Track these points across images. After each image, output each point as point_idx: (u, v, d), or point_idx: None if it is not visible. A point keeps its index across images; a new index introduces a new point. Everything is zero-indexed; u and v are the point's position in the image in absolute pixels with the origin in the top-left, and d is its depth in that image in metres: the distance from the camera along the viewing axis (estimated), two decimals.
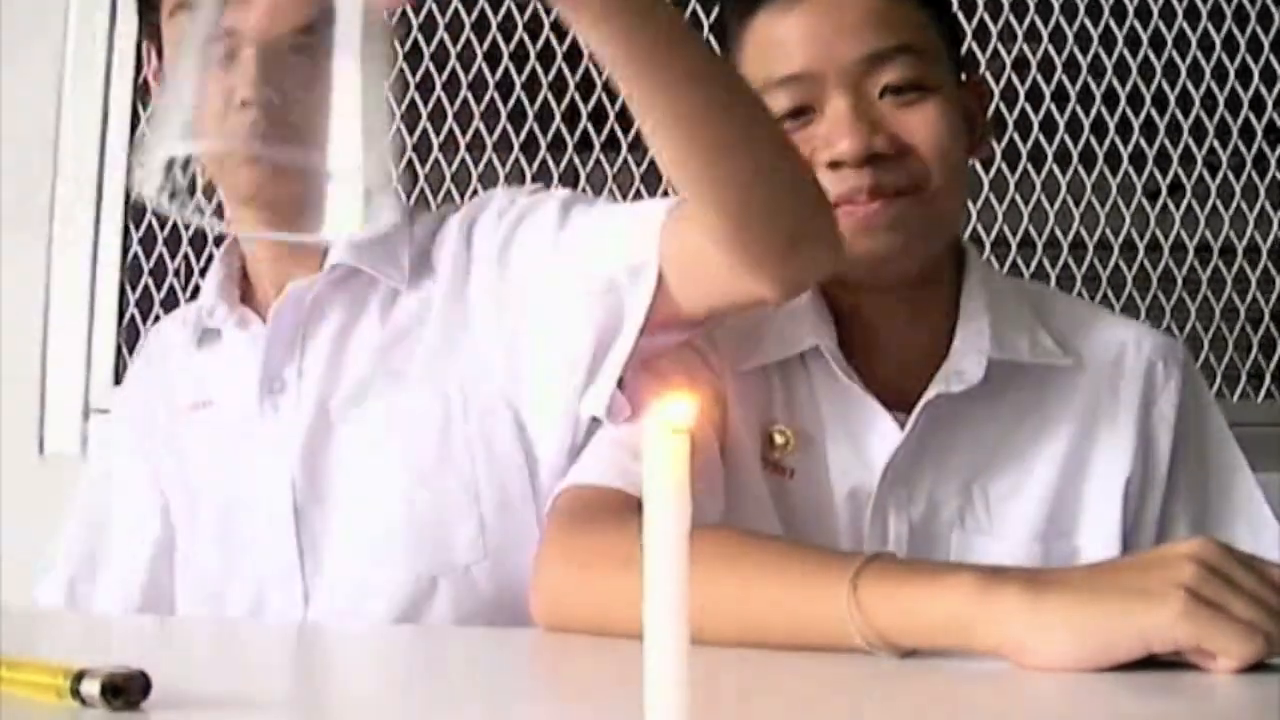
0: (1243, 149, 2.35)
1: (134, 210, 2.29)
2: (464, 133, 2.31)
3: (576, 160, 2.31)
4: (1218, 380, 2.34)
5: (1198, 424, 1.40)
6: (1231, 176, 2.34)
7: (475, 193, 2.30)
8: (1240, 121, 2.34)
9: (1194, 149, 2.34)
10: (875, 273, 1.32)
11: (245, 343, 1.42)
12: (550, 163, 2.30)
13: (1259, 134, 2.34)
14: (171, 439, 1.47)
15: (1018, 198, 2.32)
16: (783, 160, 1.12)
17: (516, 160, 2.30)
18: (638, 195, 2.30)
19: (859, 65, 1.29)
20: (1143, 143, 2.34)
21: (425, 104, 2.29)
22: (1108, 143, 2.34)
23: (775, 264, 1.16)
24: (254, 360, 1.40)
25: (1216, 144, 2.34)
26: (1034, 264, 2.34)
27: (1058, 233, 2.34)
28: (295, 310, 1.39)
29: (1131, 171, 2.33)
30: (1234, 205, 2.35)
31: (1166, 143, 2.34)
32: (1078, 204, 2.34)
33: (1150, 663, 0.94)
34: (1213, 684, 0.92)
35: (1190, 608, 0.93)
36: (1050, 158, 2.33)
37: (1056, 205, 2.34)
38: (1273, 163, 2.33)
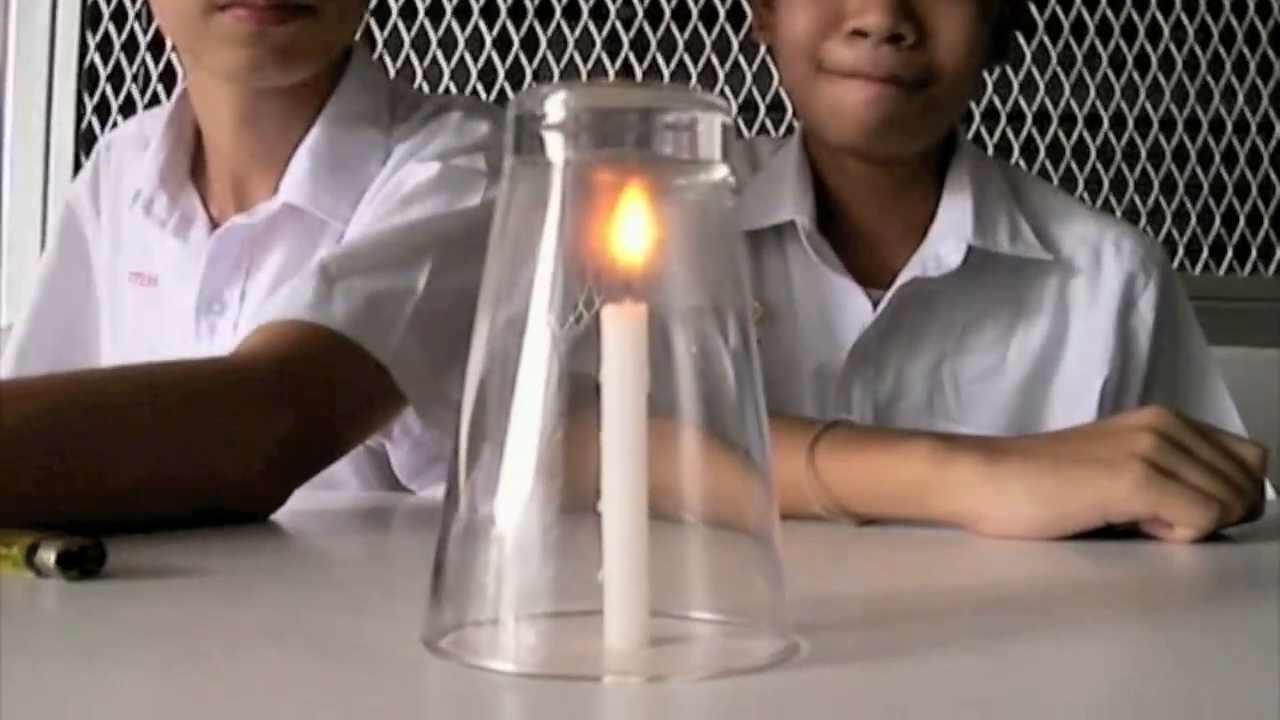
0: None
1: (86, 81, 2.27)
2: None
3: (537, 26, 2.29)
4: (1179, 253, 2.35)
5: (1174, 327, 1.40)
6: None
7: (434, 61, 2.28)
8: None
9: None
10: (864, 148, 1.32)
11: (184, 255, 1.34)
12: (510, 28, 2.28)
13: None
14: (112, 298, 1.42)
15: (1009, 70, 2.31)
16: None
17: (476, 26, 2.28)
18: (598, 64, 2.29)
19: None
20: (1134, 15, 2.34)
21: None
22: (1098, 14, 2.33)
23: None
24: (193, 274, 1.32)
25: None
26: (1022, 137, 2.34)
27: (1048, 105, 2.33)
28: (238, 240, 1.31)
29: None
30: (1222, 80, 2.34)
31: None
32: (1067, 76, 2.33)
33: (1106, 532, 0.95)
34: (1169, 553, 0.93)
35: (1147, 477, 0.93)
36: (1042, 28, 2.32)
37: (1046, 77, 2.33)
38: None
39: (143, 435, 0.94)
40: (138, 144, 1.40)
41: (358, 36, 1.33)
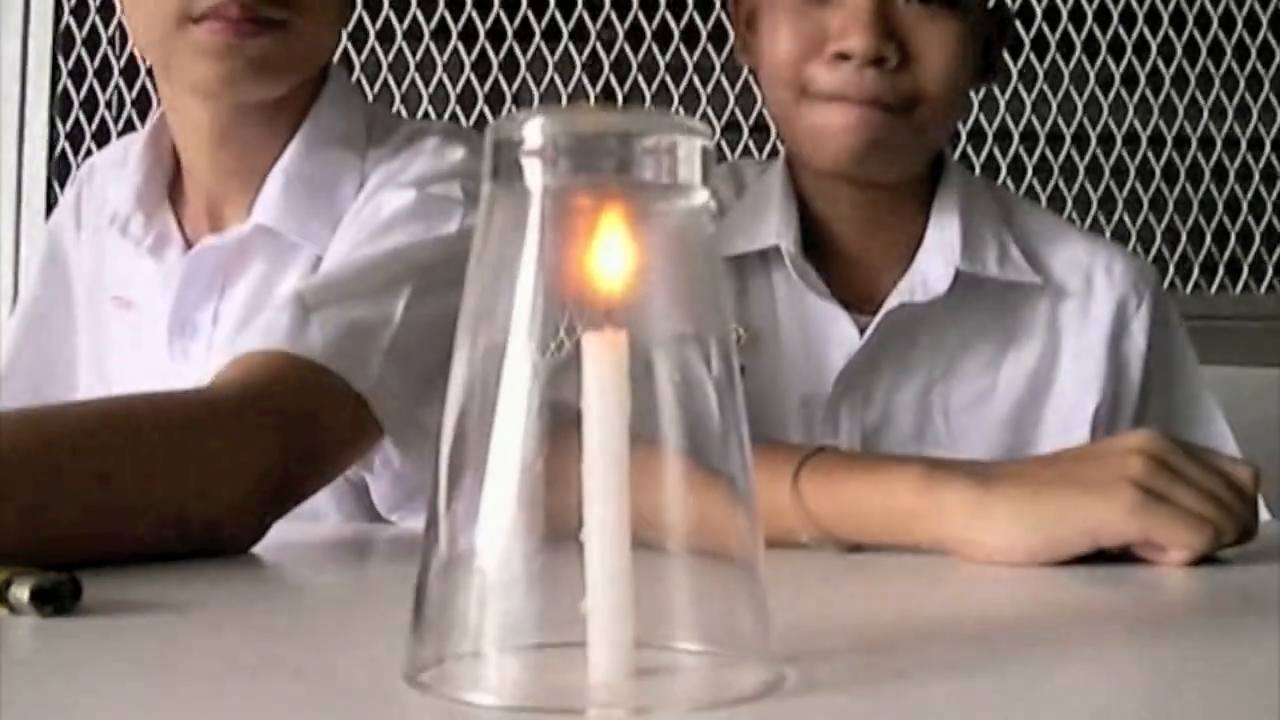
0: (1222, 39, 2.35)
1: (59, 107, 2.27)
2: (401, 20, 2.28)
3: (517, 49, 2.29)
4: (1170, 272, 2.36)
5: (1167, 350, 1.40)
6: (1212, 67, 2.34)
7: (413, 84, 2.28)
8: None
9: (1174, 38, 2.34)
10: (849, 172, 1.32)
11: (158, 277, 1.34)
12: (490, 51, 2.28)
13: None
14: (95, 323, 1.42)
15: (995, 88, 2.32)
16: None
17: (455, 50, 2.28)
18: (579, 87, 2.29)
19: None
20: (1121, 31, 2.34)
21: None
22: (1085, 31, 2.34)
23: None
24: (166, 296, 1.33)
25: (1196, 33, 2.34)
26: (1009, 156, 2.34)
27: (1035, 124, 2.34)
28: (211, 262, 1.31)
29: (1110, 61, 2.33)
30: (1211, 96, 2.35)
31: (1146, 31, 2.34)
32: (1055, 93, 2.34)
33: (1098, 556, 0.95)
34: (1161, 577, 0.93)
35: (1138, 501, 0.93)
36: (1028, 46, 2.33)
37: (1033, 95, 2.34)
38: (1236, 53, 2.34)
39: (122, 470, 0.94)
40: (120, 168, 1.40)
41: (335, 59, 1.33)
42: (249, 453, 1.00)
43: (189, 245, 1.34)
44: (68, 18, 2.28)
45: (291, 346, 1.08)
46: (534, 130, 0.57)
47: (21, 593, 0.72)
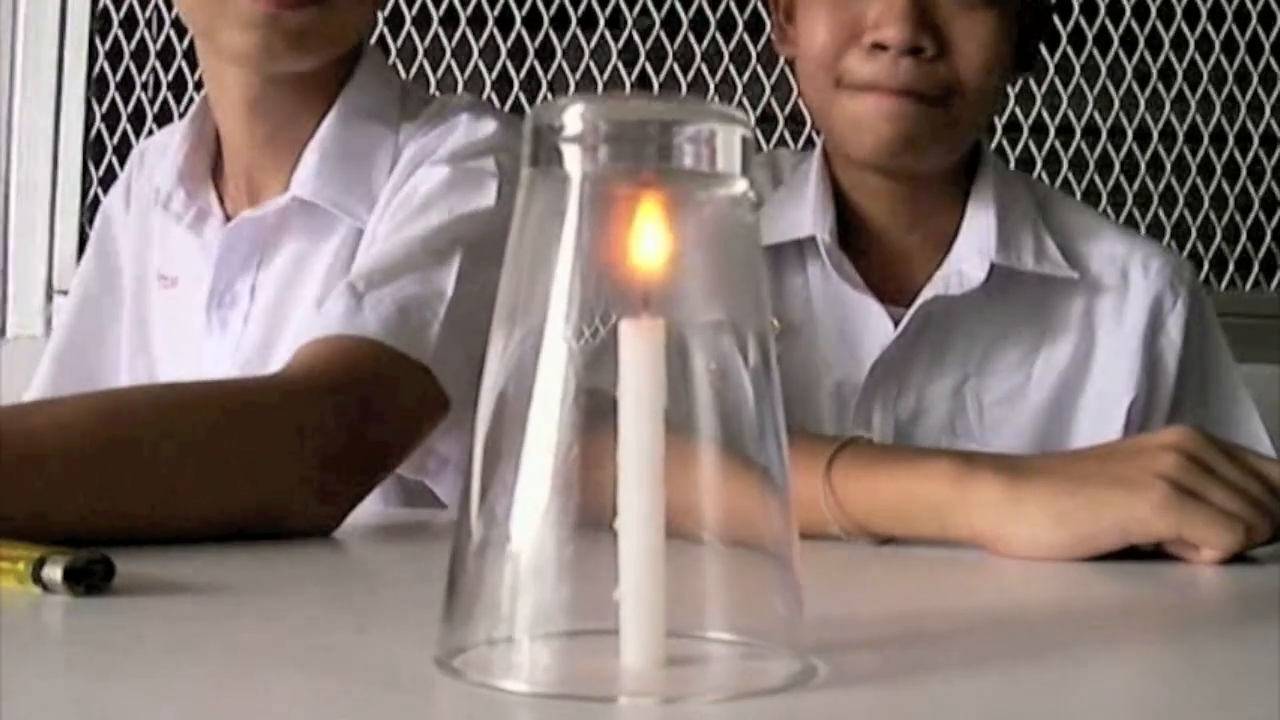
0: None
1: (95, 89, 2.28)
2: (437, 5, 2.28)
3: (553, 36, 2.29)
4: (1205, 268, 2.35)
5: (1203, 348, 1.40)
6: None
7: (449, 70, 2.28)
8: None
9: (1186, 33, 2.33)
10: (884, 163, 1.32)
11: (199, 251, 1.37)
12: (526, 38, 2.28)
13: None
14: (140, 302, 1.45)
15: (1031, 82, 2.31)
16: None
17: (491, 36, 2.28)
18: (615, 74, 2.29)
19: None
20: (1159, 26, 2.33)
21: None
22: (1122, 25, 2.33)
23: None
24: (205, 269, 1.35)
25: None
26: (1045, 150, 2.33)
27: (1071, 118, 2.33)
28: (249, 234, 1.33)
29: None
30: (1249, 92, 2.34)
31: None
32: (1091, 88, 2.33)
33: (1129, 554, 0.95)
34: (1193, 576, 0.93)
35: (1171, 498, 0.93)
36: (1065, 39, 2.32)
37: (1070, 89, 2.32)
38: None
39: (187, 456, 0.96)
40: (167, 149, 1.43)
41: (372, 40, 1.34)
42: (315, 435, 1.01)
43: (229, 220, 1.36)
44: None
45: (347, 328, 1.09)
46: (574, 117, 0.58)
47: (55, 572, 0.73)
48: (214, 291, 1.34)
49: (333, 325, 1.10)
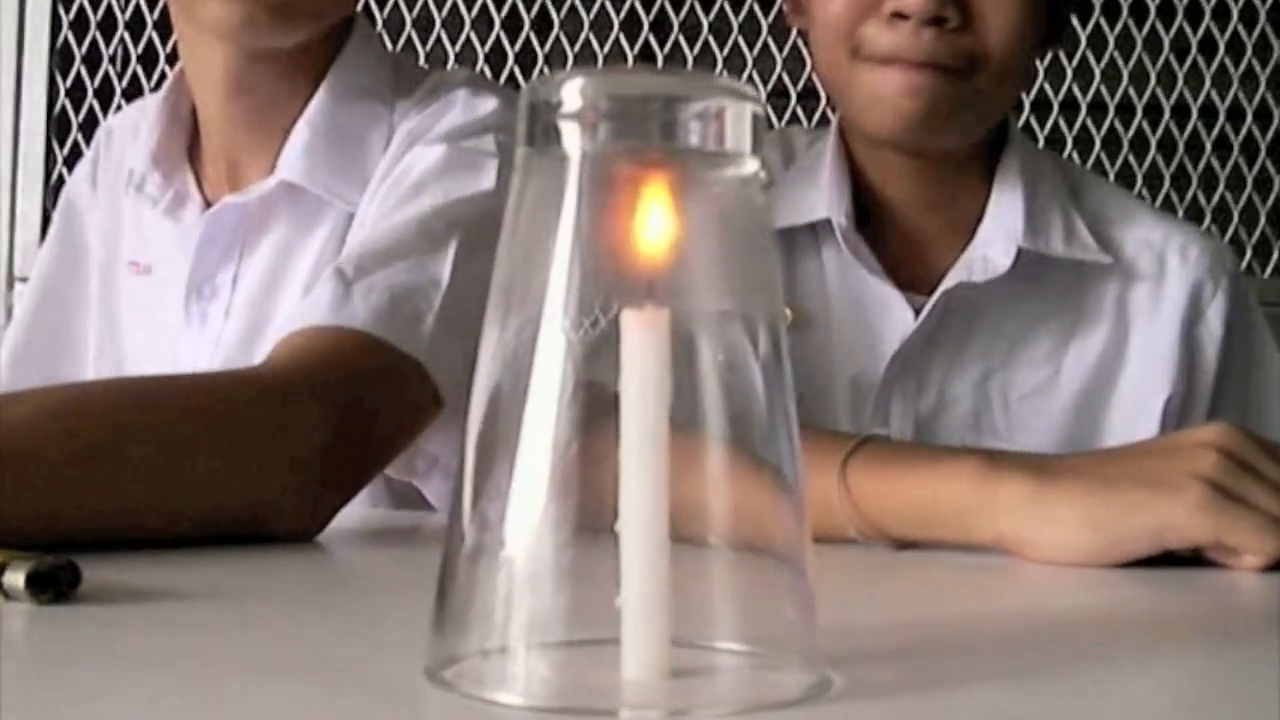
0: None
1: (59, 61, 2.28)
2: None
3: (549, 5, 2.29)
4: (1247, 254, 2.34)
5: (1245, 339, 1.40)
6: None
7: (439, 42, 2.28)
8: None
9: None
10: (905, 140, 1.32)
11: (175, 238, 1.36)
12: (520, 7, 2.28)
13: None
14: (108, 289, 1.44)
15: (1061, 55, 2.30)
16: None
17: (484, 5, 2.28)
18: (616, 47, 2.29)
19: None
20: None
21: None
22: None
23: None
24: (183, 257, 1.35)
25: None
26: (1076, 128, 2.33)
27: (1104, 93, 2.32)
28: (231, 221, 1.33)
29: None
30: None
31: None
32: (1126, 62, 2.32)
33: (1165, 559, 0.95)
34: (1233, 582, 0.93)
35: (1209, 500, 0.93)
36: (1098, 10, 2.31)
37: (1103, 63, 2.32)
38: None
39: (163, 454, 0.95)
40: (137, 129, 1.42)
41: (358, 8, 1.34)
42: (297, 434, 1.01)
43: (208, 206, 1.35)
44: None
45: (335, 319, 1.09)
46: (573, 92, 0.58)
47: (17, 578, 0.73)
48: (193, 282, 1.34)
49: (319, 314, 1.09)
